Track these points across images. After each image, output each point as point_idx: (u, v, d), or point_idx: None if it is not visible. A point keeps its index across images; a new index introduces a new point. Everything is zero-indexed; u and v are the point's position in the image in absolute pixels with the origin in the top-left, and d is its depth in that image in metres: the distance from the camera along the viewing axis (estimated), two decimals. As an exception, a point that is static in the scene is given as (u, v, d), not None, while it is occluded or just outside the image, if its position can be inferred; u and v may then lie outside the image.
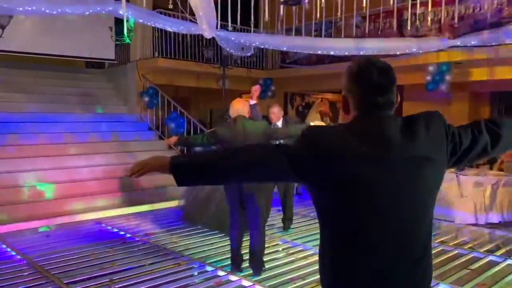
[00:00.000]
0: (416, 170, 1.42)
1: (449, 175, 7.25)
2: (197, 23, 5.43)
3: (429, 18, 4.86)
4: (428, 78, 8.28)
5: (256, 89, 4.91)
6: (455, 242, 5.76)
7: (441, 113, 1.53)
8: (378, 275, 1.42)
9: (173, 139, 5.13)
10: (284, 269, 4.55)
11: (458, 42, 5.14)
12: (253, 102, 4.88)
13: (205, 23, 4.70)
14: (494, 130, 1.55)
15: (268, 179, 1.90)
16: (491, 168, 8.02)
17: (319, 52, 5.73)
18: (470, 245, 5.64)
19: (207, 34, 5.05)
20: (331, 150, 1.41)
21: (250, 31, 6.84)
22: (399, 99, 1.52)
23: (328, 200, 1.46)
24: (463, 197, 7.02)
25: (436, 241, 5.71)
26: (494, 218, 6.95)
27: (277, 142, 5.39)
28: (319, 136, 1.46)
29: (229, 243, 4.68)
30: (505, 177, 7.13)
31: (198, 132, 9.43)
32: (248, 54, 7.51)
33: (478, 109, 12.56)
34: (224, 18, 6.08)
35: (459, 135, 1.51)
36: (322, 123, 4.54)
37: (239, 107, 4.24)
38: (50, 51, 9.40)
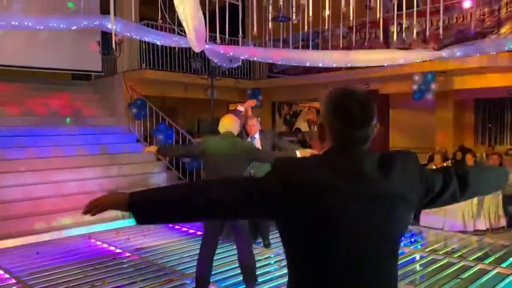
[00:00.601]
0: (390, 208, 1.40)
1: (437, 182, 7.36)
2: (185, 36, 5.44)
3: (414, 31, 4.93)
4: (414, 87, 8.40)
5: (251, 103, 4.94)
6: (445, 251, 5.82)
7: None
8: None
9: (154, 148, 5.05)
10: (278, 283, 4.54)
11: (443, 53, 5.22)
12: (241, 108, 4.99)
13: (195, 37, 4.71)
14: (463, 178, 1.59)
15: (237, 216, 1.78)
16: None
17: (307, 64, 5.77)
18: (460, 253, 5.71)
19: (197, 48, 5.06)
20: (304, 184, 1.35)
21: (238, 42, 6.88)
22: (378, 126, 1.49)
23: (298, 235, 1.39)
24: (451, 204, 7.11)
25: (426, 250, 5.77)
26: (482, 225, 7.05)
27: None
28: (290, 169, 1.40)
29: (223, 256, 4.66)
30: (491, 184, 7.25)
31: (187, 142, 9.42)
32: (236, 65, 7.54)
33: (462, 116, 12.78)
34: (212, 29, 6.11)
35: (432, 179, 1.52)
36: (308, 153, 4.53)
37: (228, 123, 4.17)
38: (36, 64, 9.32)
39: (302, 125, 14.38)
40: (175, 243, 6.08)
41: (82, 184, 7.87)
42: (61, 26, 6.28)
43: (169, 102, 13.19)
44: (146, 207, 1.44)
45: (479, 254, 5.68)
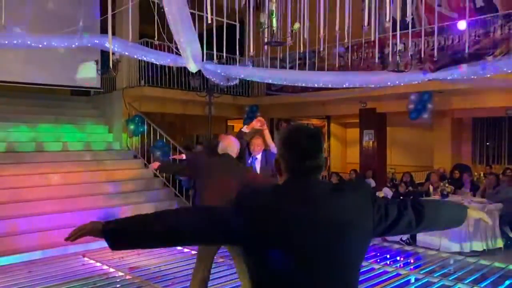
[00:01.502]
0: (341, 234, 1.49)
1: (434, 202, 7.35)
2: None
3: (409, 53, 4.99)
4: (411, 106, 8.44)
5: (258, 121, 4.98)
6: (441, 273, 5.77)
7: (368, 186, 1.67)
8: None
9: (156, 164, 5.09)
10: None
11: (438, 75, 5.27)
12: (245, 130, 5.02)
13: (190, 57, 4.75)
14: (418, 209, 1.68)
15: (199, 243, 1.88)
16: (474, 195, 8.13)
17: (303, 84, 5.81)
18: (456, 275, 5.66)
19: (193, 68, 5.10)
20: (261, 211, 1.48)
21: (236, 59, 6.91)
22: (326, 157, 1.60)
23: (257, 257, 1.51)
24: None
25: (422, 272, 5.73)
26: (479, 246, 7.01)
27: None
28: (250, 198, 1.54)
29: (219, 276, 4.59)
30: (487, 205, 7.23)
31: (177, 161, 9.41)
32: (233, 83, 7.59)
33: (460, 135, 12.81)
34: (209, 47, 6.15)
35: (386, 208, 1.61)
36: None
37: (228, 145, 4.15)
38: (35, 80, 9.38)
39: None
40: (169, 263, 6.03)
41: (77, 201, 7.85)
42: (62, 44, 6.36)
43: (168, 117, 13.24)
44: (116, 235, 1.59)
45: (475, 276, 5.63)
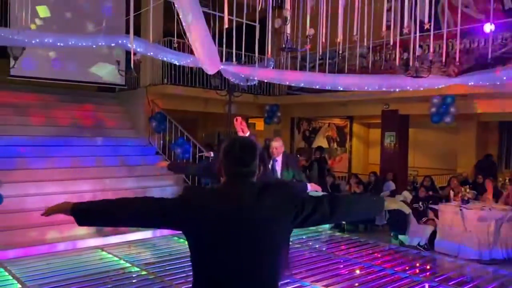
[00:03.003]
0: (262, 226, 1.84)
1: (454, 208, 7.21)
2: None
3: (429, 59, 4.90)
4: (433, 110, 8.29)
5: (239, 123, 4.96)
6: (457, 281, 5.68)
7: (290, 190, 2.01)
8: None
9: (163, 163, 5.15)
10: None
11: (458, 80, 5.17)
12: (248, 133, 5.02)
13: (207, 60, 4.82)
14: (333, 204, 1.98)
15: (147, 226, 2.26)
16: (496, 201, 7.93)
17: (321, 87, 5.80)
18: (472, 284, 5.57)
19: (210, 71, 5.16)
20: (198, 206, 1.84)
21: (255, 59, 6.92)
22: (261, 169, 1.97)
23: (193, 244, 1.89)
24: (467, 232, 6.96)
25: (437, 280, 5.65)
26: (499, 254, 6.85)
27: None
28: (192, 196, 1.91)
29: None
30: (510, 212, 7.05)
31: (203, 157, 9.54)
32: (253, 83, 7.64)
33: (486, 138, 12.49)
34: (228, 46, 6.18)
35: (302, 205, 1.92)
36: (317, 187, 4.70)
37: None
38: (63, 77, 9.66)
39: (321, 141, 14.32)
40: (183, 260, 6.13)
41: (100, 195, 8.05)
42: (87, 44, 6.55)
43: (190, 115, 13.41)
44: (82, 215, 1.97)
45: (493, 285, 5.53)
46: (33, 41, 5.94)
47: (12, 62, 6.45)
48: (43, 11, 7.59)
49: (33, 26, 5.36)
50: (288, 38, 3.96)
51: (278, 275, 1.95)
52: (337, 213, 2.00)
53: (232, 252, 1.82)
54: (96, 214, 1.97)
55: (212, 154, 8.16)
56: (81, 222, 1.99)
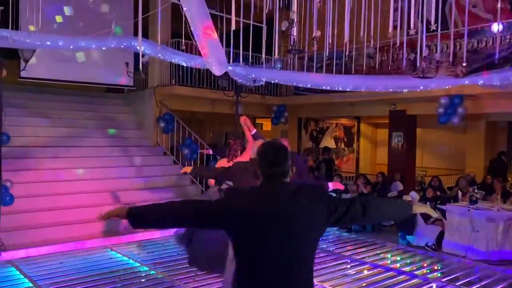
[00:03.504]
0: (297, 222, 2.00)
1: (461, 209, 7.19)
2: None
3: (436, 59, 4.90)
4: (441, 110, 8.27)
5: (243, 120, 5.13)
6: (464, 281, 5.67)
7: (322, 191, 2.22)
8: None
9: (188, 168, 5.27)
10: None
11: (466, 81, 5.16)
12: (254, 131, 5.18)
13: (214, 62, 4.86)
14: (364, 206, 2.13)
15: (201, 226, 2.50)
16: (504, 202, 7.90)
17: (328, 88, 5.82)
18: (479, 284, 5.56)
19: (217, 72, 5.21)
20: (239, 206, 2.03)
21: (263, 59, 6.95)
22: (294, 169, 2.15)
23: (236, 240, 2.07)
24: (475, 232, 6.94)
25: (443, 280, 5.65)
26: (507, 254, 6.82)
27: None
28: (232, 196, 2.16)
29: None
30: (519, 213, 7.01)
31: (211, 158, 9.59)
32: (260, 84, 7.67)
33: (494, 137, 12.41)
34: (237, 46, 6.20)
35: (336, 205, 2.08)
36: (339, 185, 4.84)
37: None
38: (72, 78, 9.77)
39: (329, 142, 14.33)
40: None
41: (108, 195, 8.15)
42: (92, 46, 6.61)
43: (198, 115, 13.48)
44: (137, 219, 2.15)
45: (501, 285, 5.52)
46: (44, 44, 6.02)
47: (22, 64, 6.54)
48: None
49: (32, 28, 5.41)
50: (295, 40, 3.99)
51: (311, 274, 2.10)
52: (368, 214, 2.16)
53: (271, 248, 1.98)
54: (150, 219, 2.16)
55: (210, 151, 8.22)
56: (135, 225, 2.19)
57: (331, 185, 4.62)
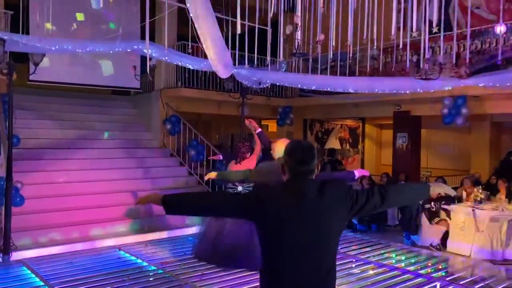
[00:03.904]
0: (323, 216, 2.15)
1: (466, 209, 7.24)
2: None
3: (439, 61, 4.96)
4: (445, 111, 8.32)
5: (248, 122, 5.32)
6: (467, 280, 5.73)
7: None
8: (298, 286, 2.14)
9: (213, 174, 5.42)
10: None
11: (469, 82, 5.23)
12: (259, 130, 5.37)
13: (220, 64, 4.97)
14: (383, 194, 2.28)
15: (231, 215, 2.66)
16: (509, 202, 7.93)
17: (332, 89, 5.91)
18: (483, 283, 5.61)
19: (223, 75, 5.32)
20: (269, 200, 2.19)
21: (269, 62, 7.05)
22: (319, 168, 2.21)
23: (265, 232, 2.21)
24: (479, 232, 6.99)
25: (447, 279, 5.71)
26: (511, 254, 6.87)
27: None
28: (263, 191, 2.30)
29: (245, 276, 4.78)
30: (523, 213, 7.05)
31: (217, 160, 9.68)
32: (265, 86, 7.77)
33: (499, 138, 12.41)
34: (242, 49, 6.30)
35: (357, 196, 2.23)
36: None
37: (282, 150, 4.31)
38: (79, 81, 9.93)
39: (334, 142, 14.39)
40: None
41: (115, 196, 8.27)
42: (104, 49, 6.74)
43: (205, 117, 13.60)
44: (171, 205, 2.33)
45: (504, 284, 5.56)
46: (53, 48, 6.16)
47: (32, 67, 6.68)
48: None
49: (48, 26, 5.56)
50: (299, 43, 4.09)
51: (334, 265, 2.24)
52: (387, 201, 2.31)
53: (298, 243, 2.12)
54: (185, 204, 2.36)
55: (221, 157, 8.33)
56: (169, 211, 2.34)
57: (357, 173, 4.73)
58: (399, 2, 5.32)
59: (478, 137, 12.16)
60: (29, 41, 5.58)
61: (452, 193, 2.65)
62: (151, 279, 5.46)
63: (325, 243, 2.17)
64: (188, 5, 4.08)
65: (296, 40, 4.16)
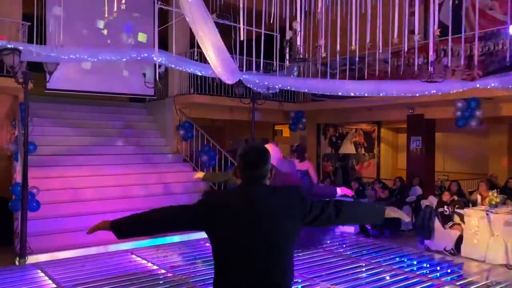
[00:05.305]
0: (272, 222, 2.09)
1: (480, 213, 7.13)
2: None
3: (444, 63, 4.94)
4: (458, 114, 8.22)
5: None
6: (480, 285, 5.62)
7: (300, 189, 2.26)
8: None
9: (200, 174, 5.44)
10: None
11: (477, 84, 5.18)
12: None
13: (224, 71, 5.04)
14: (338, 208, 2.24)
15: (182, 227, 2.54)
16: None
17: (340, 93, 5.92)
18: (495, 288, 5.50)
19: (229, 81, 5.39)
20: (217, 206, 2.13)
21: (277, 67, 7.10)
22: (273, 172, 2.24)
23: (214, 240, 2.15)
24: (494, 236, 6.87)
25: (458, 283, 5.61)
26: (527, 259, 6.73)
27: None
28: (211, 197, 2.29)
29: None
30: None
31: (229, 164, 9.77)
32: (274, 92, 7.82)
33: (518, 142, 12.16)
34: (250, 54, 6.37)
35: (311, 206, 2.19)
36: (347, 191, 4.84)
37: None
38: (95, 89, 10.15)
39: (348, 147, 14.32)
40: (207, 263, 6.33)
41: (130, 201, 8.42)
42: (115, 58, 6.92)
43: (218, 122, 13.72)
44: (119, 230, 2.34)
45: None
46: (67, 57, 6.35)
47: (47, 76, 6.89)
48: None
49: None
50: (298, 49, 4.13)
51: (287, 274, 2.16)
52: (341, 216, 2.26)
53: (248, 248, 2.06)
54: (134, 225, 2.31)
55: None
56: (120, 235, 2.35)
57: (339, 190, 4.61)
58: (411, 6, 5.32)
59: (495, 140, 11.95)
60: (42, 50, 5.77)
61: (406, 219, 2.64)
62: (161, 282, 5.52)
63: (275, 252, 2.09)
64: (185, 14, 4.17)
65: (297, 46, 4.20)
